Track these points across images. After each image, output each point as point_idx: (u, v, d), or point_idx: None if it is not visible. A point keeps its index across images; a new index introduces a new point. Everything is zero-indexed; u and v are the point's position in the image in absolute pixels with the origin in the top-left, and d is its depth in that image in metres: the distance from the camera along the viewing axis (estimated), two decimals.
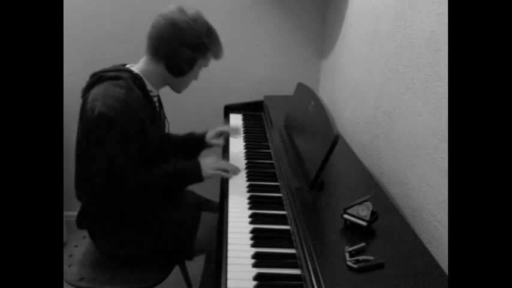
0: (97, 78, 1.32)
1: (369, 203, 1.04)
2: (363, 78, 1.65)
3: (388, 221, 1.08)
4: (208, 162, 1.42)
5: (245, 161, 1.56)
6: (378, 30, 1.50)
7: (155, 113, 1.42)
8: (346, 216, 1.05)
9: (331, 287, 0.84)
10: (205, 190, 1.73)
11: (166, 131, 1.58)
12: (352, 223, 1.04)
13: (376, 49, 1.52)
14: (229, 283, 0.96)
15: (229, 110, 2.13)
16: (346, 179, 1.37)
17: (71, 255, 1.44)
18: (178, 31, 1.31)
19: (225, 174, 1.42)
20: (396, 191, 1.33)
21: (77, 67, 1.36)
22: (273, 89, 2.26)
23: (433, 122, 1.12)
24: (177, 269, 1.54)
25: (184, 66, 1.36)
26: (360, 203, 1.05)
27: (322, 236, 1.03)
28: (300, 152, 1.40)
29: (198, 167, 1.39)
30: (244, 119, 2.04)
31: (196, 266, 1.61)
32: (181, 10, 1.34)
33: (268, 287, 0.95)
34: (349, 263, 0.90)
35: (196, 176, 1.39)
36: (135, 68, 1.38)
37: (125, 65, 1.38)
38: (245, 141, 1.75)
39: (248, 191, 1.36)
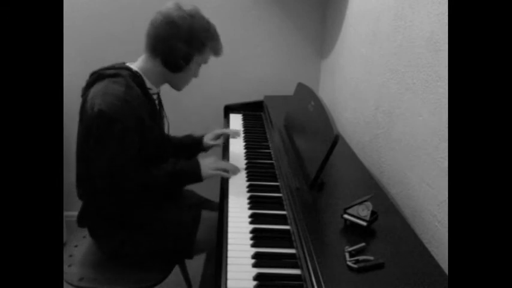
0: (96, 77, 1.32)
1: (369, 203, 1.04)
2: (363, 78, 1.65)
3: (388, 221, 1.08)
4: (207, 162, 1.42)
5: (245, 161, 1.56)
6: (378, 30, 1.50)
7: (155, 111, 1.42)
8: (346, 216, 1.05)
9: (331, 287, 0.84)
10: (205, 190, 1.73)
11: (166, 130, 1.58)
12: (352, 223, 1.04)
13: (376, 49, 1.52)
14: (229, 283, 0.95)
15: (229, 110, 2.13)
16: (346, 179, 1.37)
17: (71, 255, 1.44)
18: (175, 27, 1.32)
19: (224, 174, 1.43)
20: (396, 191, 1.33)
21: (77, 67, 1.36)
22: (273, 89, 2.26)
23: (433, 122, 1.12)
24: (177, 269, 1.54)
25: (181, 61, 1.36)
26: (360, 203, 1.04)
27: (322, 236, 1.03)
28: (300, 152, 1.40)
29: (197, 167, 1.39)
30: (244, 119, 2.04)
31: (196, 266, 1.61)
32: (178, 7, 1.34)
33: (268, 287, 0.95)
34: (349, 263, 0.90)
35: (196, 176, 1.39)
36: (134, 66, 1.38)
37: (124, 63, 1.39)
38: (245, 141, 1.75)
39: (248, 191, 1.36)
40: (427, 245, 1.02)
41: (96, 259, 1.41)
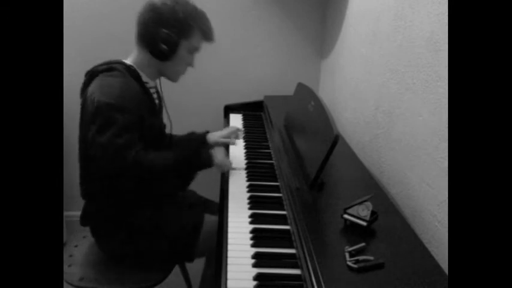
0: (90, 75, 1.32)
1: (369, 203, 1.04)
2: (363, 78, 1.65)
3: (388, 221, 1.08)
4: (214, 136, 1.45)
5: (245, 161, 1.56)
6: (378, 30, 1.50)
7: (153, 106, 1.41)
8: (346, 216, 1.05)
9: (331, 287, 0.84)
10: (205, 190, 1.73)
11: (169, 130, 1.58)
12: (352, 223, 1.04)
13: (376, 49, 1.52)
14: (229, 283, 0.95)
15: (229, 110, 2.13)
16: (346, 179, 1.37)
17: (71, 255, 1.44)
18: (156, 13, 1.31)
19: (229, 141, 1.48)
20: (396, 191, 1.33)
21: (77, 67, 1.36)
22: (273, 89, 2.26)
23: (433, 122, 1.12)
24: (177, 269, 1.54)
25: (164, 47, 1.33)
26: (360, 203, 1.04)
27: (322, 236, 1.03)
28: (300, 152, 1.40)
29: (204, 138, 1.41)
30: (244, 119, 2.04)
31: (196, 266, 1.61)
32: None
33: (268, 287, 0.95)
34: (349, 263, 0.90)
35: (205, 151, 1.39)
36: (128, 60, 1.38)
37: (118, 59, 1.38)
38: (245, 141, 1.75)
39: (248, 191, 1.36)
40: (427, 245, 1.02)
41: (96, 259, 1.41)
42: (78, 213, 1.42)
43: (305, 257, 0.94)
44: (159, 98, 1.51)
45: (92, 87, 1.27)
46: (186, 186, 1.41)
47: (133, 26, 1.47)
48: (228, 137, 1.59)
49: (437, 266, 0.92)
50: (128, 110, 1.24)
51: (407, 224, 1.09)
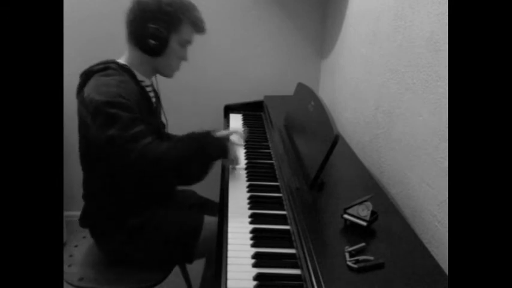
0: (85, 76, 1.31)
1: (369, 203, 1.04)
2: (363, 78, 1.65)
3: (388, 221, 1.08)
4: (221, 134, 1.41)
5: (245, 161, 1.56)
6: (378, 30, 1.50)
7: (150, 105, 1.40)
8: (346, 216, 1.05)
9: (331, 287, 0.84)
10: (205, 190, 1.73)
11: (165, 129, 1.57)
12: (352, 223, 1.04)
13: (376, 49, 1.52)
14: (229, 283, 0.95)
15: (229, 110, 2.13)
16: (346, 179, 1.37)
17: (71, 255, 1.44)
18: (144, 9, 1.29)
19: (235, 139, 1.44)
20: (396, 191, 1.33)
21: (77, 67, 1.36)
22: (273, 89, 2.26)
23: (433, 122, 1.12)
24: (177, 269, 1.54)
25: (153, 42, 1.31)
26: (360, 203, 1.04)
27: (322, 236, 1.03)
28: (300, 152, 1.40)
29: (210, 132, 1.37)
30: (244, 119, 2.04)
31: (196, 266, 1.61)
32: None
33: (268, 287, 0.95)
34: (349, 263, 0.90)
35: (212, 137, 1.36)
36: (121, 60, 1.37)
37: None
38: (245, 141, 1.75)
39: (248, 191, 1.36)
40: (427, 245, 1.02)
41: (96, 259, 1.41)
42: (78, 213, 1.42)
43: (305, 257, 0.94)
44: (156, 96, 1.49)
45: (88, 88, 1.26)
46: (202, 177, 1.36)
47: None
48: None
49: (437, 266, 0.92)
50: (128, 106, 1.22)
51: (407, 224, 1.09)
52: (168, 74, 1.43)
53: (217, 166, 1.44)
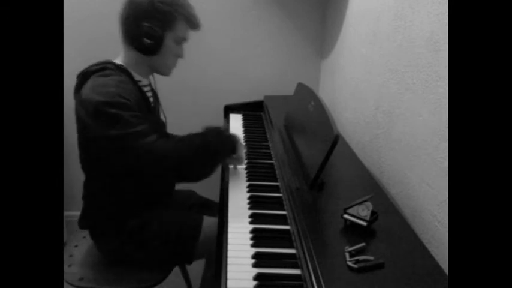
0: (82, 77, 1.30)
1: (369, 203, 1.04)
2: (363, 78, 1.65)
3: (388, 221, 1.08)
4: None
5: (245, 161, 1.56)
6: (378, 30, 1.50)
7: (148, 102, 1.39)
8: (346, 216, 1.05)
9: (331, 287, 0.84)
10: (205, 190, 1.73)
11: (165, 128, 1.57)
12: (352, 223, 1.04)
13: (376, 49, 1.52)
14: (229, 283, 0.95)
15: (229, 110, 2.13)
16: (346, 179, 1.37)
17: (71, 255, 1.44)
18: (137, 8, 1.28)
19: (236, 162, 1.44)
20: (396, 191, 1.33)
21: (77, 67, 1.36)
22: (273, 89, 2.26)
23: (433, 122, 1.12)
24: (177, 269, 1.54)
25: (148, 41, 1.29)
26: (360, 203, 1.04)
27: (322, 236, 1.03)
28: (300, 152, 1.40)
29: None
30: (244, 119, 2.04)
31: (196, 266, 1.61)
32: None
33: (268, 287, 0.95)
34: (349, 263, 0.90)
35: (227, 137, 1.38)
36: (118, 60, 1.36)
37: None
38: (245, 141, 1.75)
39: (248, 191, 1.36)
40: (427, 245, 1.02)
41: (96, 259, 1.41)
42: (78, 213, 1.42)
43: (305, 257, 0.94)
44: (154, 95, 1.49)
45: (86, 89, 1.24)
46: (209, 173, 1.36)
47: None
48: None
49: (437, 266, 0.92)
50: (128, 106, 1.21)
51: (407, 224, 1.09)
52: (165, 73, 1.42)
53: None
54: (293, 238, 1.10)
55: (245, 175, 1.46)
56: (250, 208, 1.26)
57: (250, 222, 1.19)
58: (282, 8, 2.19)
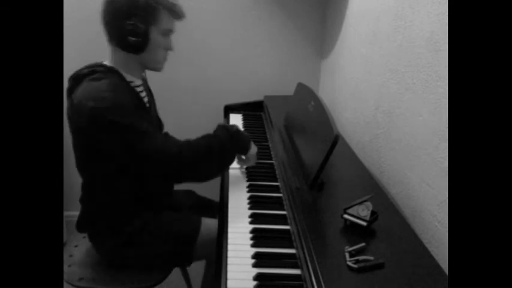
0: (73, 80, 1.29)
1: (369, 203, 1.04)
2: (363, 78, 1.65)
3: (388, 221, 1.08)
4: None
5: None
6: (378, 30, 1.50)
7: (142, 102, 1.37)
8: (346, 216, 1.05)
9: (331, 287, 0.84)
10: (205, 190, 1.73)
11: (163, 126, 1.56)
12: (352, 223, 1.04)
13: (376, 49, 1.52)
14: (229, 283, 0.96)
15: (229, 110, 2.13)
16: (346, 179, 1.37)
17: (71, 255, 1.44)
18: (116, 7, 1.25)
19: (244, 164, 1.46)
20: (396, 191, 1.33)
21: (77, 67, 1.36)
22: (273, 89, 2.26)
23: (433, 122, 1.12)
24: (177, 270, 1.53)
25: (136, 39, 1.26)
26: (360, 203, 1.05)
27: (322, 236, 1.03)
28: (300, 152, 1.40)
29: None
30: (244, 119, 2.04)
31: (196, 267, 1.61)
32: None
33: (268, 287, 0.95)
34: (349, 263, 0.90)
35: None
36: (107, 62, 1.34)
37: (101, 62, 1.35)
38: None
39: (248, 191, 1.36)
40: (427, 245, 1.02)
41: (96, 259, 1.41)
42: (78, 213, 1.42)
43: (305, 257, 0.94)
44: (149, 94, 1.47)
45: (79, 94, 1.22)
46: (222, 170, 1.37)
47: None
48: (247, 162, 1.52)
49: (437, 266, 0.92)
50: (125, 109, 1.21)
51: (407, 224, 1.09)
52: (156, 68, 1.39)
53: None
54: (293, 238, 1.10)
55: (245, 175, 1.46)
56: (250, 208, 1.26)
57: (250, 222, 1.19)
58: (282, 8, 2.19)
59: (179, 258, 1.40)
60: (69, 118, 1.27)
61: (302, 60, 2.29)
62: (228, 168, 1.46)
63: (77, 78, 1.28)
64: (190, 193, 1.69)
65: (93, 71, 1.28)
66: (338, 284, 0.85)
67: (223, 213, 1.25)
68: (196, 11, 2.11)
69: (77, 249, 1.47)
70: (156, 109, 1.53)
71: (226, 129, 1.39)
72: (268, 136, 1.80)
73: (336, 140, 1.14)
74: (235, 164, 1.49)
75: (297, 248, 1.04)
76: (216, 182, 1.50)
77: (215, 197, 1.56)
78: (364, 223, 1.03)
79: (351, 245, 0.96)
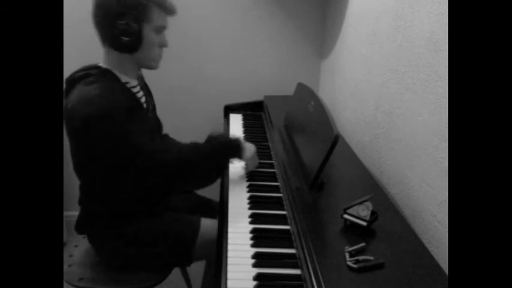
0: (68, 84, 1.28)
1: (369, 203, 1.04)
2: (363, 78, 1.65)
3: (388, 221, 1.08)
4: (250, 147, 1.42)
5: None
6: (378, 30, 1.50)
7: (139, 103, 1.36)
8: (346, 216, 1.05)
9: (331, 287, 0.84)
10: (205, 190, 1.73)
11: (160, 128, 1.56)
12: (352, 223, 1.04)
13: (376, 49, 1.52)
14: (229, 283, 0.96)
15: (229, 110, 2.13)
16: (346, 179, 1.37)
17: (71, 255, 1.44)
18: (106, 9, 1.24)
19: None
20: (396, 191, 1.33)
21: (76, 67, 1.35)
22: (273, 89, 2.26)
23: (433, 122, 1.12)
24: (177, 270, 1.53)
25: (130, 39, 1.24)
26: (360, 203, 1.05)
27: (322, 236, 1.03)
28: (300, 152, 1.40)
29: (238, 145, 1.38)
30: (244, 119, 2.04)
31: (196, 267, 1.61)
32: None
33: (268, 287, 0.95)
34: (349, 263, 0.90)
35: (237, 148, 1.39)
36: (102, 63, 1.33)
37: (96, 63, 1.34)
38: (245, 141, 1.75)
39: (248, 191, 1.36)
40: (427, 245, 1.02)
41: (96, 259, 1.41)
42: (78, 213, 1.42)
43: (305, 257, 0.94)
44: (147, 93, 1.46)
45: (72, 98, 1.21)
46: (217, 177, 1.38)
47: None
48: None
49: (437, 266, 0.92)
50: (116, 117, 1.19)
51: (407, 224, 1.09)
52: (152, 66, 1.37)
53: None
54: (293, 238, 1.10)
55: (245, 175, 1.46)
56: (250, 208, 1.26)
57: (250, 222, 1.19)
58: (282, 8, 2.19)
59: (178, 258, 1.40)
60: (65, 121, 1.27)
61: (302, 60, 2.29)
62: (221, 175, 1.45)
63: (72, 82, 1.27)
64: (189, 193, 1.69)
65: (87, 74, 1.26)
66: (338, 284, 0.85)
67: (223, 213, 1.25)
68: (196, 11, 2.11)
69: (76, 249, 1.47)
70: (155, 109, 1.53)
71: (214, 139, 1.38)
72: (268, 136, 1.80)
73: (336, 140, 1.14)
74: (235, 165, 1.49)
75: (297, 248, 1.04)
76: (216, 182, 1.50)
77: (215, 197, 1.56)
78: (364, 223, 1.03)
79: (351, 245, 0.96)
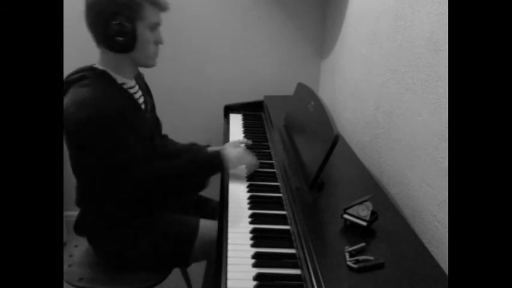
0: (64, 86, 1.26)
1: (369, 203, 1.04)
2: (363, 78, 1.65)
3: (388, 221, 1.08)
4: (232, 156, 1.40)
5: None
6: (378, 30, 1.50)
7: (136, 104, 1.35)
8: (346, 216, 1.05)
9: (331, 287, 0.84)
10: (205, 190, 1.73)
11: (159, 128, 1.56)
12: (352, 223, 1.04)
13: (376, 49, 1.52)
14: (229, 283, 0.95)
15: (229, 110, 2.13)
16: (346, 179, 1.37)
17: (71, 255, 1.44)
18: (98, 10, 1.23)
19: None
20: (396, 191, 1.33)
21: (76, 67, 1.35)
22: (273, 89, 2.26)
23: (433, 122, 1.12)
24: (177, 270, 1.53)
25: (124, 38, 1.23)
26: (360, 203, 1.04)
27: (322, 236, 1.03)
28: (300, 152, 1.40)
29: (219, 160, 1.38)
30: (244, 119, 2.04)
31: (197, 267, 1.61)
32: None
33: (268, 287, 0.95)
34: (349, 263, 0.90)
35: (218, 167, 1.39)
36: (97, 64, 1.32)
37: (91, 65, 1.33)
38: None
39: (248, 191, 1.36)
40: (427, 245, 1.02)
41: (96, 259, 1.41)
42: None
43: (305, 257, 0.94)
44: (146, 93, 1.45)
45: (67, 101, 1.20)
46: (200, 189, 1.39)
47: None
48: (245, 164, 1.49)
49: (437, 266, 0.92)
50: (108, 122, 1.19)
51: (407, 224, 1.09)
52: (149, 64, 1.35)
53: None
54: (293, 238, 1.10)
55: (245, 175, 1.46)
56: (250, 208, 1.26)
57: (250, 222, 1.19)
58: (282, 8, 2.19)
59: (177, 259, 1.40)
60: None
61: (302, 60, 2.29)
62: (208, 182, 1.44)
63: (67, 85, 1.26)
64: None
65: (82, 77, 1.25)
66: (338, 284, 0.85)
67: (223, 213, 1.25)
68: (196, 11, 2.11)
69: (76, 249, 1.47)
70: (155, 109, 1.53)
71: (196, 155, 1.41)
72: (268, 136, 1.80)
73: (336, 140, 1.14)
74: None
75: (297, 248, 1.04)
76: (216, 182, 1.50)
77: (215, 196, 1.56)
78: (364, 223, 1.03)
79: (351, 245, 0.96)
